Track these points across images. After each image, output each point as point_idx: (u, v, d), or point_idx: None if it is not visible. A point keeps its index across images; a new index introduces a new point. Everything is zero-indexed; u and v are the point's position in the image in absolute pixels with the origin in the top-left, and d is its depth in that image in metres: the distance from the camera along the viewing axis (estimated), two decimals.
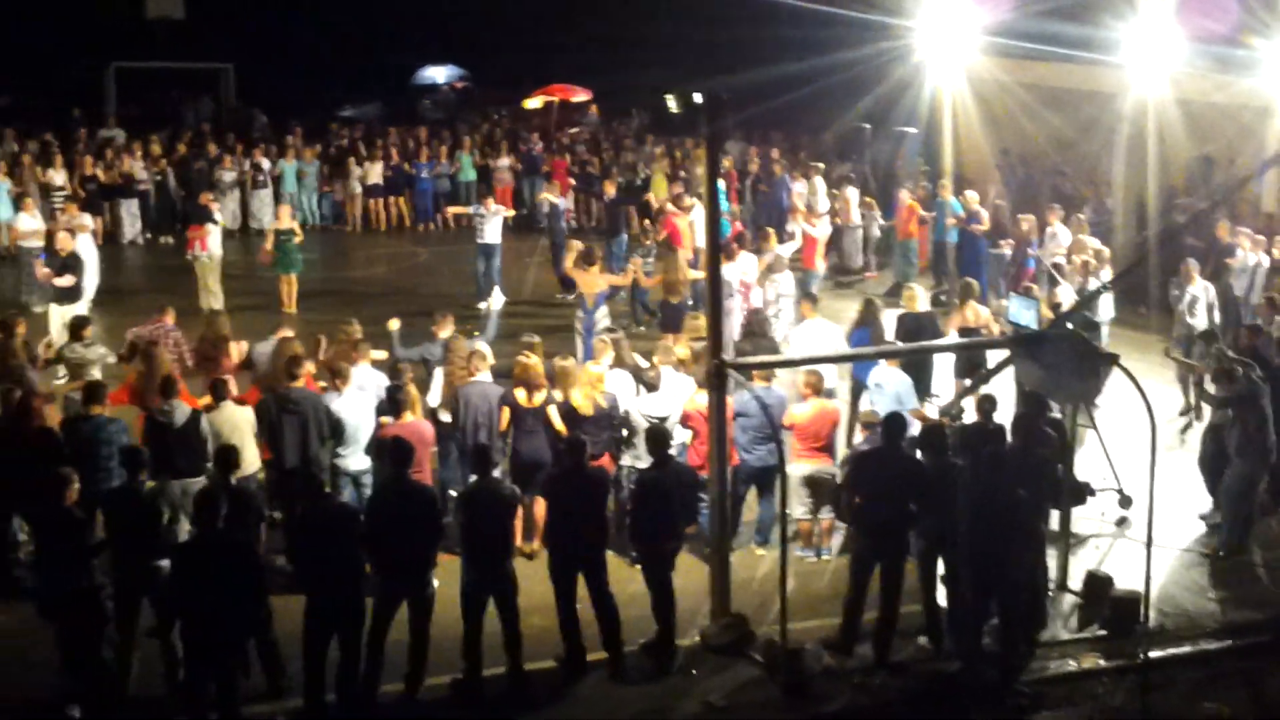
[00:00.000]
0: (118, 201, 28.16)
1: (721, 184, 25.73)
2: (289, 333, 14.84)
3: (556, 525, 11.49)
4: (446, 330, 15.14)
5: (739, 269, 19.21)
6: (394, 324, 15.51)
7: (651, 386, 13.97)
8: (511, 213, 25.29)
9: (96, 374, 14.52)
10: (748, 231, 22.88)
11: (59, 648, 10.39)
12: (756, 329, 16.60)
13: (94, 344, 15.05)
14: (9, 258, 24.72)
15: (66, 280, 18.82)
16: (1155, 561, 11.84)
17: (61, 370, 15.60)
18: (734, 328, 18.07)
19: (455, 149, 31.93)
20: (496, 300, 23.03)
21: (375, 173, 30.70)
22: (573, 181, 30.73)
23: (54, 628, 10.46)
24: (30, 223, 22.81)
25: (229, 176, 29.47)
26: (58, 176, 27.10)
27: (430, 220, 31.03)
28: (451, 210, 29.09)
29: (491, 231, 23.26)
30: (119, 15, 40.43)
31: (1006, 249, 22.65)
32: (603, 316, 18.67)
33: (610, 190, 26.03)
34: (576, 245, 20.20)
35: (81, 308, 18.41)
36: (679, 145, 32.32)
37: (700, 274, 19.21)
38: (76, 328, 15.14)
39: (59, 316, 18.29)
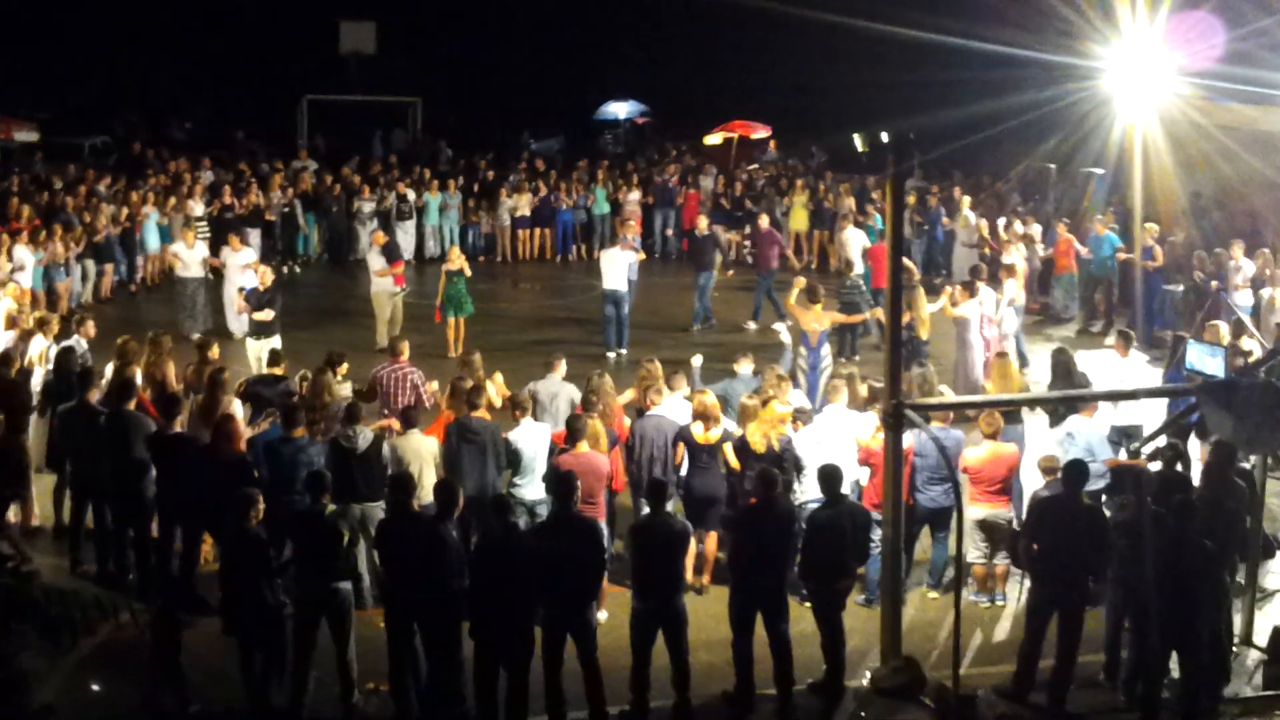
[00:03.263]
0: (245, 231, 26.47)
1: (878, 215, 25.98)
2: (563, 366, 14.72)
3: (743, 561, 11.37)
4: (747, 365, 15.25)
5: (978, 304, 19.02)
6: (696, 360, 15.68)
7: None
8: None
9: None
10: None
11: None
12: (1073, 369, 16.22)
13: (346, 381, 14.82)
14: (159, 286, 24.57)
15: (265, 315, 18.84)
16: None
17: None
18: (976, 364, 18.10)
19: (591, 182, 32.07)
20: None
21: (524, 204, 30.85)
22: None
23: (236, 644, 10.77)
24: (189, 253, 22.66)
25: (368, 207, 29.47)
26: (197, 207, 26.86)
27: (568, 252, 31.18)
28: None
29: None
30: (312, 49, 41.75)
31: (1181, 285, 22.17)
32: (827, 354, 18.37)
33: (702, 225, 25.24)
34: (801, 282, 19.43)
35: (277, 342, 18.31)
36: (824, 179, 32.32)
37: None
38: (332, 364, 14.75)
39: (254, 351, 18.47)
